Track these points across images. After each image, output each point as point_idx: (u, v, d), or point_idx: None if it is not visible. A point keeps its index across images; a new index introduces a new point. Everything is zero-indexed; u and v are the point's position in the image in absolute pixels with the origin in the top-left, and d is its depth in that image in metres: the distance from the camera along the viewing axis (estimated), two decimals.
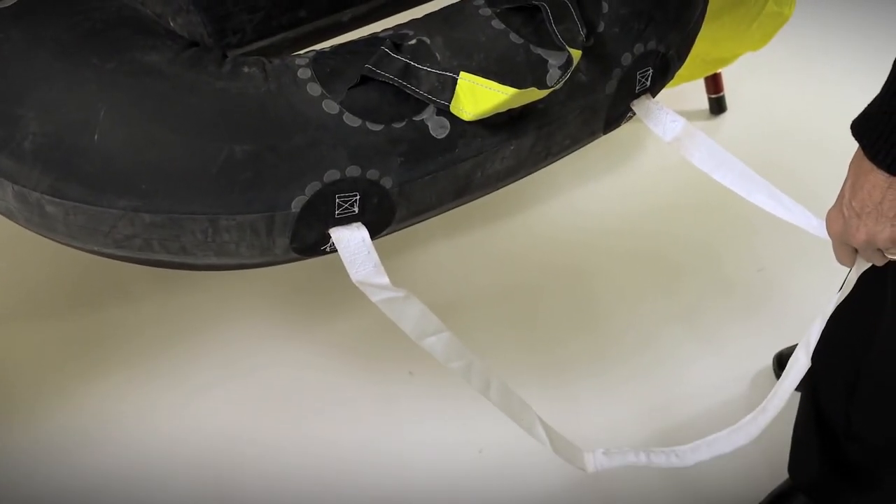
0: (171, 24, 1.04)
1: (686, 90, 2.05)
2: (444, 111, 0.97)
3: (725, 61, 1.99)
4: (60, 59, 0.92)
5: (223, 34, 1.09)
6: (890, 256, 0.98)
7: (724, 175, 1.10)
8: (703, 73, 2.05)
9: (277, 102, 0.92)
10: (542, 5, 1.01)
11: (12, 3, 0.95)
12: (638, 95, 1.11)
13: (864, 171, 0.90)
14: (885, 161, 0.87)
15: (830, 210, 0.99)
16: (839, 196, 0.97)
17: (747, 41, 1.87)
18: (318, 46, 1.03)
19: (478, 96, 0.96)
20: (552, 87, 0.98)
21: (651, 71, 1.08)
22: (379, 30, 1.04)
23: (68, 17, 0.96)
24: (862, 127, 0.89)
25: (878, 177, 0.89)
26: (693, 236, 1.91)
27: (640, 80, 1.08)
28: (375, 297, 0.97)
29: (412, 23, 1.03)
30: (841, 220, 0.96)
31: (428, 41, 0.99)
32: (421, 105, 0.96)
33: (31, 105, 0.90)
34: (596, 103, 1.06)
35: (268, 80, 0.94)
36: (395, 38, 0.99)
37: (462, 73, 0.96)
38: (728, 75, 2.17)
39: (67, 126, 0.90)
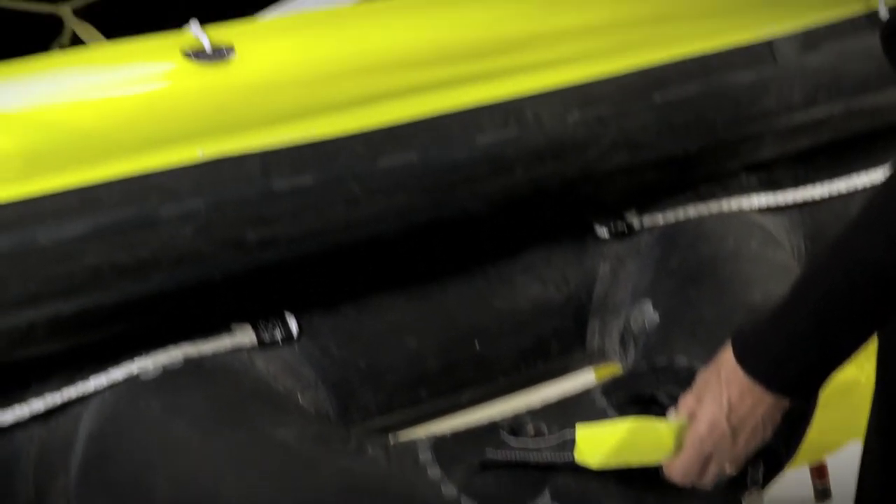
0: (300, 398, 1.10)
1: (792, 474, 2.02)
2: (559, 497, 0.98)
3: (831, 449, 1.97)
4: (195, 429, 0.98)
5: (347, 410, 1.14)
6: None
7: None
8: (808, 459, 2.03)
9: (399, 484, 0.95)
10: (660, 395, 1.04)
11: (156, 375, 1.02)
12: (750, 488, 1.11)
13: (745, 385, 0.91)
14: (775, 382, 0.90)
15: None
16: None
17: (853, 430, 1.87)
18: (435, 424, 1.07)
19: (599, 439, 0.95)
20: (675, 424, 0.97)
21: (763, 467, 1.09)
22: (495, 411, 1.08)
23: (205, 388, 1.02)
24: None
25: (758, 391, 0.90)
26: None
27: (752, 476, 1.09)
28: None
29: (530, 412, 1.06)
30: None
31: (545, 430, 1.02)
32: (538, 489, 0.97)
33: (165, 474, 0.95)
34: (712, 498, 1.06)
35: (390, 461, 0.97)
36: (514, 426, 1.02)
37: (578, 425, 0.97)
38: (833, 463, 2.14)
39: (196, 496, 0.93)
